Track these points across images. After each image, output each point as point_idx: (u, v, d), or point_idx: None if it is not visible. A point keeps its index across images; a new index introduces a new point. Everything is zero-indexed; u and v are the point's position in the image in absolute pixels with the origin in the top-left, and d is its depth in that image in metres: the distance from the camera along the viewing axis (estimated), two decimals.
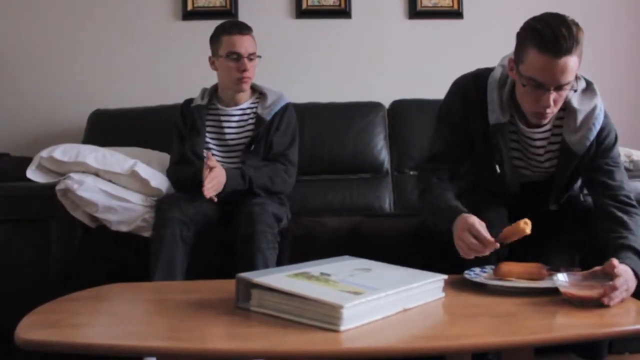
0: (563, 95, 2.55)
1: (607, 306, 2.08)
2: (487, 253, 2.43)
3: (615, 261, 2.21)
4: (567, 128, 2.71)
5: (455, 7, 4.79)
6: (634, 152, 3.89)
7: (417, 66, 4.78)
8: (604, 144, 2.70)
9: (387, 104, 4.50)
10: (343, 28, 4.79)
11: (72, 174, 3.24)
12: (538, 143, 2.79)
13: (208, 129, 3.60)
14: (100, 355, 1.77)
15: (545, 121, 2.67)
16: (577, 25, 2.45)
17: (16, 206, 3.37)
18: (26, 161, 3.35)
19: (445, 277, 2.21)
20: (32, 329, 1.88)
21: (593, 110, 2.67)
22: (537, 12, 2.61)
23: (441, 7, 4.80)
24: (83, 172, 3.28)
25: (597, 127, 2.67)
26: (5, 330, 2.17)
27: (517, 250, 2.64)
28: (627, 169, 3.72)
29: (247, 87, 3.62)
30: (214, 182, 3.19)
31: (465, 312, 2.10)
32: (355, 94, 4.55)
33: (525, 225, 2.37)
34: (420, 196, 2.91)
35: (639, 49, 4.90)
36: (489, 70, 2.85)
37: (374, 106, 4.44)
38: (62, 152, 3.28)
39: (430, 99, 4.13)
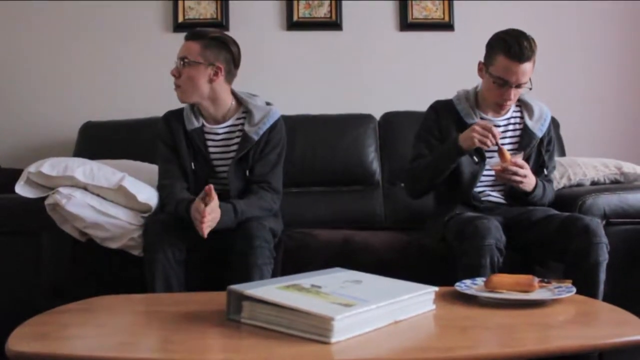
0: (520, 92, 3.35)
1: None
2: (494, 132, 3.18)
3: (522, 162, 3.22)
4: (526, 115, 3.51)
5: (446, 19, 4.81)
6: (624, 164, 3.90)
7: (408, 78, 4.80)
8: (549, 134, 3.52)
9: (378, 116, 4.51)
10: (334, 40, 4.81)
11: (60, 189, 3.21)
12: (502, 128, 3.47)
13: (194, 148, 3.44)
14: None
15: (503, 111, 3.47)
16: (534, 40, 3.26)
17: (7, 218, 3.34)
18: (17, 173, 3.32)
19: (436, 289, 2.21)
20: (23, 340, 1.88)
21: (543, 108, 3.54)
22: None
23: (432, 19, 4.82)
24: (72, 186, 3.26)
25: (548, 121, 3.52)
26: None
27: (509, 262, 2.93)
28: (617, 181, 3.78)
29: (181, 96, 3.39)
30: (212, 216, 3.01)
31: (456, 324, 2.10)
32: (346, 106, 4.55)
33: (509, 162, 3.18)
34: (412, 179, 3.53)
35: (630, 65, 4.93)
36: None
37: (365, 118, 4.44)
38: (50, 167, 3.23)
39: (421, 111, 4.09)
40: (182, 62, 3.35)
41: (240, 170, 3.39)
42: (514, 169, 3.16)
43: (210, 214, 2.99)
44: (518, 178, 3.18)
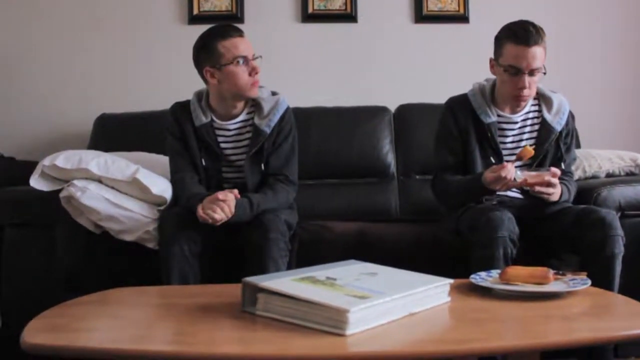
0: (535, 80, 3.25)
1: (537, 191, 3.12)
2: (509, 175, 3.05)
3: (556, 171, 3.09)
4: (545, 109, 3.41)
5: (461, 11, 4.80)
6: (639, 156, 3.88)
7: (423, 70, 4.79)
8: (568, 126, 3.44)
9: (393, 108, 4.50)
10: (349, 32, 4.80)
11: (75, 181, 3.21)
12: (519, 124, 3.41)
13: (204, 144, 3.41)
14: (106, 359, 1.77)
15: (523, 103, 3.36)
16: (541, 27, 3.21)
17: (22, 210, 3.37)
18: (31, 165, 3.32)
19: (451, 281, 2.20)
20: (38, 333, 1.89)
21: (562, 101, 3.44)
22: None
23: (447, 11, 4.81)
24: (86, 178, 3.26)
25: (567, 113, 3.42)
26: (11, 334, 2.17)
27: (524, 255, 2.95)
28: (632, 173, 3.77)
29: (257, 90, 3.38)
30: (223, 206, 3.02)
31: (471, 317, 2.10)
32: (361, 98, 4.55)
33: (531, 148, 3.18)
34: (443, 193, 3.48)
35: None
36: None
37: (380, 110, 4.44)
38: (64, 160, 3.24)
39: (436, 103, 4.08)
40: (255, 58, 3.33)
41: (256, 163, 3.38)
42: (544, 189, 3.12)
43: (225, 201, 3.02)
44: (550, 190, 3.13)
